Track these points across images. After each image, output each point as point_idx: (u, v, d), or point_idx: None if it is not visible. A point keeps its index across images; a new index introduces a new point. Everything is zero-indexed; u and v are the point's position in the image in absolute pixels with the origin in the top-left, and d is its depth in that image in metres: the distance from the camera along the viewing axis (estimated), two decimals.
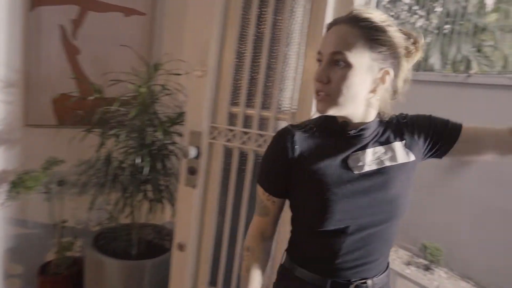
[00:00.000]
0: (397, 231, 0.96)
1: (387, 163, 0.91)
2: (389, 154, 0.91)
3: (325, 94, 0.85)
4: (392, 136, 0.94)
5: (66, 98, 2.04)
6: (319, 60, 0.88)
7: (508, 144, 0.91)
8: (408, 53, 0.90)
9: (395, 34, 0.87)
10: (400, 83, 0.91)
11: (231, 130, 1.59)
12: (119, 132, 1.88)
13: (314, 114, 0.95)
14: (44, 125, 2.06)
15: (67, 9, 2.03)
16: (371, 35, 0.83)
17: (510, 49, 4.32)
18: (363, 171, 0.89)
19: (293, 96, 1.50)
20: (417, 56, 0.92)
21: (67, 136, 1.95)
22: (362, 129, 0.90)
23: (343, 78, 0.83)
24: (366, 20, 0.84)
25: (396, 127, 0.95)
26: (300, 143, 0.92)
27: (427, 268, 3.65)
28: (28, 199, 1.99)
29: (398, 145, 0.93)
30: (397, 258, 3.91)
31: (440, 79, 3.91)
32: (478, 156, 0.97)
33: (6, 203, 1.93)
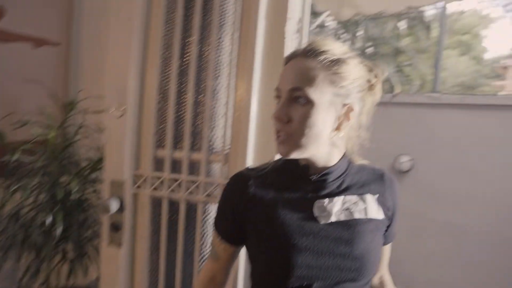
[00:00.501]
0: None
1: (357, 216, 0.82)
2: (360, 206, 0.84)
3: (286, 135, 0.78)
4: (365, 187, 0.87)
5: None
6: (277, 97, 0.81)
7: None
8: (371, 86, 0.85)
9: (358, 66, 0.82)
10: (364, 119, 0.85)
11: (158, 177, 1.37)
12: (27, 184, 1.59)
13: (275, 156, 0.89)
14: None
15: None
16: (332, 68, 0.77)
17: (425, 68, 4.61)
18: (329, 221, 0.81)
19: (225, 135, 1.32)
20: (380, 90, 0.86)
21: None
22: (325, 174, 0.83)
23: (305, 116, 0.77)
24: (326, 52, 0.78)
25: (371, 179, 0.88)
26: (256, 189, 0.86)
27: None
28: None
29: (370, 198, 0.85)
30: None
31: None
32: None
33: None
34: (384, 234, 0.90)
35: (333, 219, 0.81)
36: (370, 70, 0.85)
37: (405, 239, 3.66)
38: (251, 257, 0.88)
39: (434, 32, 4.25)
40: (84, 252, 1.71)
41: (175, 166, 1.37)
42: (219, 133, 1.33)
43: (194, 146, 1.35)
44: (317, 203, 0.82)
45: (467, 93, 4.42)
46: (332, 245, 0.79)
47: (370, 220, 0.83)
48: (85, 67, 2.06)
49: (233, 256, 0.95)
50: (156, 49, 1.34)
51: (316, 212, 0.81)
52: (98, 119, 1.72)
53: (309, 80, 0.76)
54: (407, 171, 3.36)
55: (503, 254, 3.32)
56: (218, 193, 1.30)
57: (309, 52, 0.78)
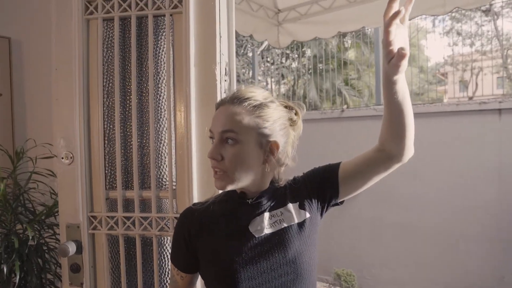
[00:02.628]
0: None
1: (284, 224, 0.95)
2: (286, 215, 0.97)
3: (221, 171, 0.91)
4: (287, 199, 0.99)
5: None
6: (211, 138, 0.94)
7: (377, 161, 0.95)
8: (293, 122, 0.99)
9: (278, 108, 0.95)
10: (289, 150, 0.98)
11: (112, 217, 1.46)
12: None
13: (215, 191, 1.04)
14: None
15: None
16: (255, 112, 0.90)
17: (372, 81, 4.96)
18: (262, 234, 0.93)
19: (171, 172, 1.44)
20: (301, 124, 1.01)
21: None
22: (259, 197, 0.96)
23: (235, 155, 0.89)
24: (249, 99, 0.91)
25: (290, 190, 1.00)
26: (202, 219, 0.99)
27: None
28: None
29: (292, 206, 0.98)
30: None
31: (320, 116, 4.23)
32: (367, 184, 0.99)
33: None
34: (331, 188, 0.99)
35: (265, 231, 0.93)
36: (291, 109, 1.00)
37: (366, 243, 3.89)
38: (204, 279, 1.00)
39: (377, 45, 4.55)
40: None
41: (128, 205, 1.47)
42: (165, 171, 1.45)
43: (144, 184, 1.46)
44: (252, 221, 0.95)
45: (416, 101, 4.73)
46: (269, 254, 0.92)
47: (298, 224, 0.96)
48: (29, 116, 2.10)
49: (191, 282, 1.06)
50: (98, 98, 1.44)
51: (251, 228, 0.94)
52: (49, 165, 1.78)
53: (236, 123, 0.89)
54: None
55: (451, 252, 3.55)
56: (170, 225, 1.41)
57: (235, 99, 0.91)
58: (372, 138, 1.05)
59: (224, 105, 0.93)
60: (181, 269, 1.03)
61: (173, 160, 1.43)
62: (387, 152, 0.92)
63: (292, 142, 1.00)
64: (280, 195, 1.00)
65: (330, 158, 1.10)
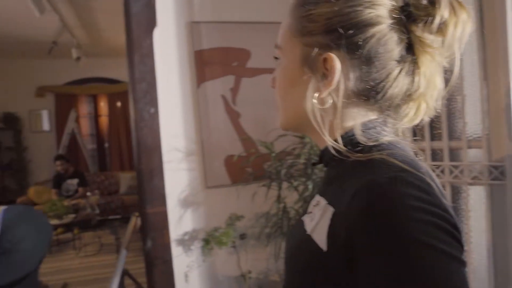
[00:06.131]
0: None
1: (306, 221, 0.56)
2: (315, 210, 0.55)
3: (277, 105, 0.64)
4: (330, 185, 0.57)
5: (235, 158, 2.26)
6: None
7: None
8: (413, 22, 0.52)
9: (349, 1, 0.53)
10: (379, 79, 0.53)
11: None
12: (298, 183, 2.02)
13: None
14: (220, 185, 2.28)
15: (225, 80, 2.30)
16: (298, 10, 0.57)
17: None
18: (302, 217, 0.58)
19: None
20: (454, 31, 0.50)
21: (241, 193, 2.16)
22: (320, 159, 0.63)
23: (278, 77, 0.62)
24: None
25: (349, 181, 0.50)
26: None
27: None
28: (217, 254, 2.19)
29: (323, 203, 0.54)
30: None
31: None
32: None
33: (204, 259, 2.15)
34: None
35: (304, 216, 0.58)
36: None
37: None
38: None
39: None
40: None
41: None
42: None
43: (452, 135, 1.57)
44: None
45: None
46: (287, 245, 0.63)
47: (308, 237, 0.52)
48: None
49: None
50: None
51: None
52: None
53: (280, 33, 0.62)
54: None
55: None
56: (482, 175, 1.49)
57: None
58: None
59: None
60: None
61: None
62: None
63: (410, 70, 0.54)
64: (338, 170, 0.56)
65: None
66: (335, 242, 0.47)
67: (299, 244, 0.55)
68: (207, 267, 2.25)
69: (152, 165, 2.12)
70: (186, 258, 2.21)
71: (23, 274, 1.75)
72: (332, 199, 0.51)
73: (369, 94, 0.54)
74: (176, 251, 2.20)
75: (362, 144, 0.53)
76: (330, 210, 0.50)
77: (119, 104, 7.30)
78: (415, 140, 1.63)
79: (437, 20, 0.50)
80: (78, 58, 5.17)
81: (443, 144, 1.56)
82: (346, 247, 0.44)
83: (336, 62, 0.52)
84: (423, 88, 0.54)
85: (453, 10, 0.50)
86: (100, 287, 3.57)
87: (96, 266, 4.13)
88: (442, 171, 1.56)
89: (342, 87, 0.53)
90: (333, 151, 0.53)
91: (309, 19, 0.55)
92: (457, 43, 0.51)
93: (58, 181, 5.55)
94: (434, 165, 1.58)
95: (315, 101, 0.54)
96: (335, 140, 0.54)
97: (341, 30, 0.52)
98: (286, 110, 0.61)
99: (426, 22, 0.51)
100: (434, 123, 1.60)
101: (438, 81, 0.54)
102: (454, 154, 1.57)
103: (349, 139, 0.55)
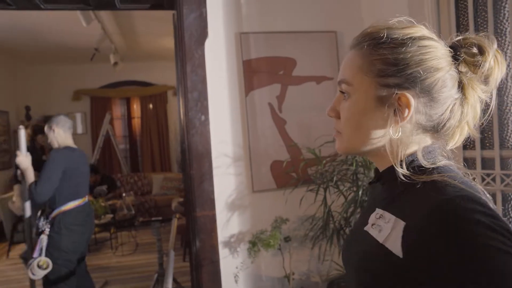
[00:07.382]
0: None
1: (373, 232, 0.66)
2: (381, 222, 0.65)
3: (337, 132, 0.72)
4: (398, 208, 0.64)
5: (280, 164, 2.34)
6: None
7: None
8: (471, 67, 0.64)
9: (423, 48, 0.64)
10: (441, 113, 0.65)
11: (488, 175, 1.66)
12: (343, 187, 2.08)
13: None
14: (266, 190, 2.37)
15: (272, 88, 2.38)
16: (375, 52, 0.65)
17: None
18: (364, 228, 0.69)
19: None
20: (494, 72, 0.64)
21: (285, 197, 2.24)
22: (378, 178, 0.73)
23: (346, 111, 0.69)
24: (371, 35, 0.67)
25: (407, 194, 0.64)
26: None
27: None
28: (262, 256, 2.28)
29: (390, 219, 0.63)
30: None
31: None
32: None
33: (251, 260, 2.24)
34: None
35: (367, 227, 0.68)
36: (464, 47, 0.65)
37: None
38: None
39: None
40: None
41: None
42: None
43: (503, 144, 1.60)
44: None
45: None
46: (350, 251, 0.75)
47: (382, 246, 0.61)
48: None
49: None
50: None
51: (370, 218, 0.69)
52: None
53: (348, 70, 0.69)
54: None
55: None
56: None
57: (356, 39, 0.70)
58: None
59: (350, 49, 0.71)
60: None
61: None
62: None
63: (463, 104, 0.66)
64: (399, 193, 0.66)
65: None
66: (410, 250, 0.56)
67: (371, 250, 0.64)
68: (253, 268, 2.34)
69: (202, 170, 2.22)
70: (232, 260, 2.31)
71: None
72: (400, 214, 0.61)
73: (433, 125, 0.66)
74: (223, 253, 2.29)
75: (423, 167, 0.64)
76: (401, 223, 0.59)
77: (151, 106, 7.50)
78: (465, 148, 1.68)
79: (485, 67, 0.63)
80: (115, 63, 5.36)
81: (495, 153, 1.60)
82: (422, 256, 0.54)
83: (411, 100, 0.63)
84: (469, 116, 0.66)
85: (496, 59, 0.63)
86: (138, 286, 3.70)
87: (133, 265, 4.28)
88: (493, 179, 1.60)
89: (413, 120, 0.65)
90: (400, 175, 0.63)
91: (385, 63, 0.64)
92: (496, 83, 0.64)
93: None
94: (485, 174, 1.62)
95: (391, 132, 0.64)
96: (400, 162, 0.65)
97: (417, 74, 0.63)
98: (354, 138, 0.69)
99: (475, 66, 0.63)
100: (485, 132, 1.64)
101: (478, 109, 0.66)
102: (504, 163, 1.60)
103: (411, 162, 0.65)
